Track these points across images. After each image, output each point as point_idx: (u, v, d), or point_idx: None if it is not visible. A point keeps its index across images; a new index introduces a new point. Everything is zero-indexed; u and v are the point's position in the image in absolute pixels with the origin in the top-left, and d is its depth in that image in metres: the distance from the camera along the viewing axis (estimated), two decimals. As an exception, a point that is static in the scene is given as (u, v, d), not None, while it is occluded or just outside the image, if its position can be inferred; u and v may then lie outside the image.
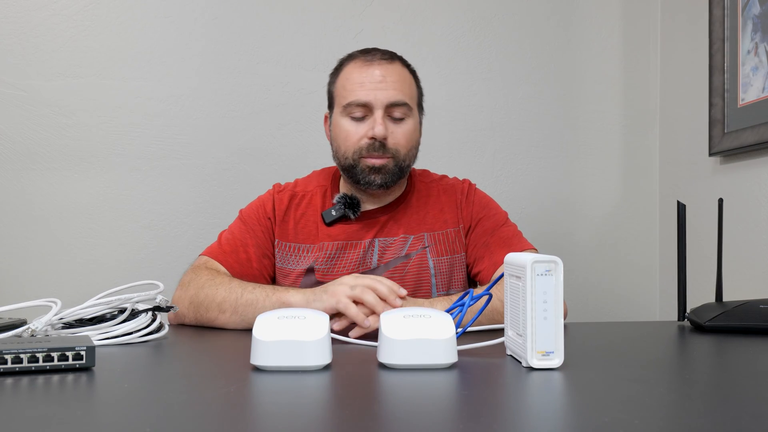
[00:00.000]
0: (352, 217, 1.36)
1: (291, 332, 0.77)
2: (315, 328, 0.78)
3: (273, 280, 1.40)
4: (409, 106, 1.34)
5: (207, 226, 1.87)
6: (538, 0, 2.03)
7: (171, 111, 1.87)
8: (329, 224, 1.36)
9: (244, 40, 1.90)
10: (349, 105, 1.32)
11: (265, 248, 1.37)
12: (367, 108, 1.31)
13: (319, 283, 1.33)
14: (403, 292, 1.11)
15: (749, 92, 1.65)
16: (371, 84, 1.31)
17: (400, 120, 1.33)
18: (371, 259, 1.36)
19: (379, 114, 1.30)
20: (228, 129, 1.89)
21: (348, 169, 1.34)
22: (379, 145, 1.30)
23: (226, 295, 1.20)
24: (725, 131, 1.72)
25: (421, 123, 1.42)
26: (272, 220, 1.39)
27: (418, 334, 0.78)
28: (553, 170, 2.04)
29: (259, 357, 0.77)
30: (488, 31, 2.01)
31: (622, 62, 2.06)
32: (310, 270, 1.36)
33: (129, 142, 1.85)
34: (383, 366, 0.79)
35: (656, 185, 2.08)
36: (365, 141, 1.31)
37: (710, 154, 1.77)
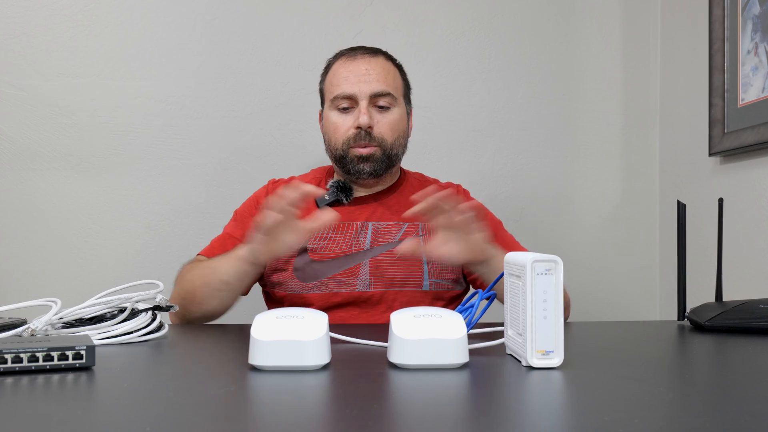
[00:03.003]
0: (344, 201, 1.42)
1: (289, 332, 0.77)
2: (313, 327, 0.78)
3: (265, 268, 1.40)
4: (394, 96, 1.40)
5: (207, 226, 1.87)
6: (538, 0, 2.03)
7: (171, 111, 1.87)
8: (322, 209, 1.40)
9: (244, 40, 1.90)
10: (335, 98, 1.40)
11: None
12: (352, 100, 1.39)
13: (313, 262, 1.37)
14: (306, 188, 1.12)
15: (749, 92, 1.65)
16: (355, 77, 1.39)
17: (386, 109, 1.40)
18: (364, 240, 1.39)
19: (363, 104, 1.37)
20: (228, 129, 1.89)
21: (338, 159, 1.41)
22: (365, 134, 1.37)
23: (197, 271, 1.31)
24: (725, 131, 1.72)
25: (410, 114, 1.48)
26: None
27: (429, 333, 0.78)
28: (553, 170, 2.04)
29: (258, 357, 0.77)
30: (488, 31, 2.01)
31: (622, 62, 2.06)
32: (304, 249, 1.39)
33: (129, 142, 1.85)
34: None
35: (656, 185, 2.08)
36: (352, 131, 1.38)
37: (710, 154, 1.77)
